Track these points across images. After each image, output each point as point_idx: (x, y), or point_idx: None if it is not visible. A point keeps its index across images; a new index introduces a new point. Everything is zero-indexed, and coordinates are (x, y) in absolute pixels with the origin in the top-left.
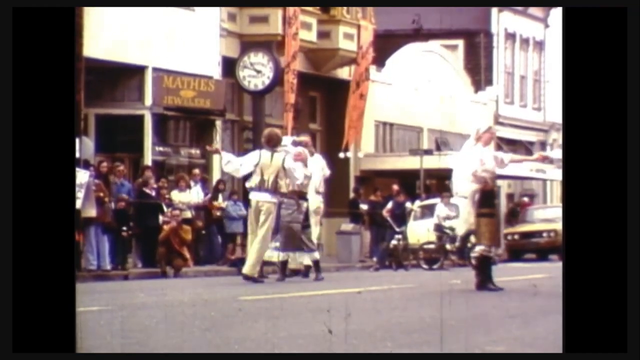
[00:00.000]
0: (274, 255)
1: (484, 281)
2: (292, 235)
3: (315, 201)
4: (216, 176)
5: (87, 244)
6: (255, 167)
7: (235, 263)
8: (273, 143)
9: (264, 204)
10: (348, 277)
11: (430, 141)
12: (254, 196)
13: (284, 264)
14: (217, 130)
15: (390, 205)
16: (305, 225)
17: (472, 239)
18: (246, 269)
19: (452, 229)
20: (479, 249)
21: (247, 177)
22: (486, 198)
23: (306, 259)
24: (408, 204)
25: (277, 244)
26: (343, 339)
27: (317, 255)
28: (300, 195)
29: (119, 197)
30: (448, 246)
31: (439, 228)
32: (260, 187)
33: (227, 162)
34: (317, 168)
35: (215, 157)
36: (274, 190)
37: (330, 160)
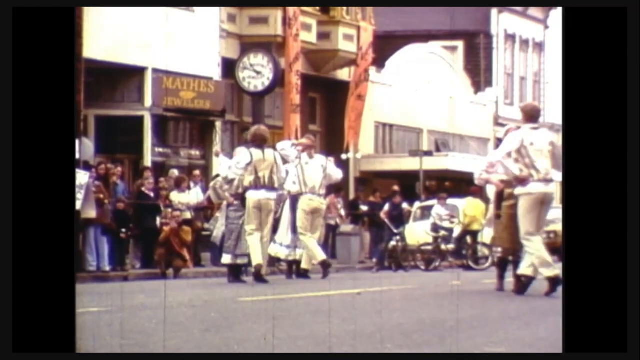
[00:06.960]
0: (282, 252)
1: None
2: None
3: (314, 202)
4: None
5: (86, 245)
6: (248, 166)
7: None
8: (261, 141)
9: (268, 202)
10: (348, 278)
11: (430, 142)
12: (252, 194)
13: (294, 262)
14: (217, 131)
15: (387, 207)
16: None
17: (468, 239)
18: (264, 270)
19: (449, 230)
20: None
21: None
22: (498, 200)
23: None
24: (405, 205)
25: (288, 241)
26: (343, 340)
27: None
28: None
29: (117, 198)
30: (443, 247)
31: (435, 228)
32: (257, 185)
33: (221, 165)
34: (318, 169)
35: (215, 159)
36: (271, 186)
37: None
